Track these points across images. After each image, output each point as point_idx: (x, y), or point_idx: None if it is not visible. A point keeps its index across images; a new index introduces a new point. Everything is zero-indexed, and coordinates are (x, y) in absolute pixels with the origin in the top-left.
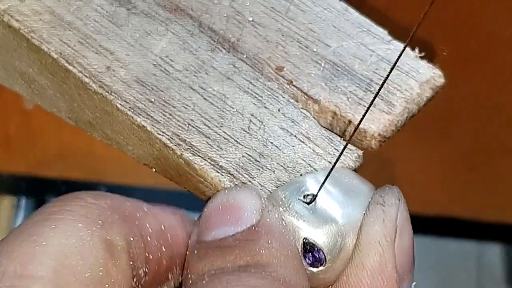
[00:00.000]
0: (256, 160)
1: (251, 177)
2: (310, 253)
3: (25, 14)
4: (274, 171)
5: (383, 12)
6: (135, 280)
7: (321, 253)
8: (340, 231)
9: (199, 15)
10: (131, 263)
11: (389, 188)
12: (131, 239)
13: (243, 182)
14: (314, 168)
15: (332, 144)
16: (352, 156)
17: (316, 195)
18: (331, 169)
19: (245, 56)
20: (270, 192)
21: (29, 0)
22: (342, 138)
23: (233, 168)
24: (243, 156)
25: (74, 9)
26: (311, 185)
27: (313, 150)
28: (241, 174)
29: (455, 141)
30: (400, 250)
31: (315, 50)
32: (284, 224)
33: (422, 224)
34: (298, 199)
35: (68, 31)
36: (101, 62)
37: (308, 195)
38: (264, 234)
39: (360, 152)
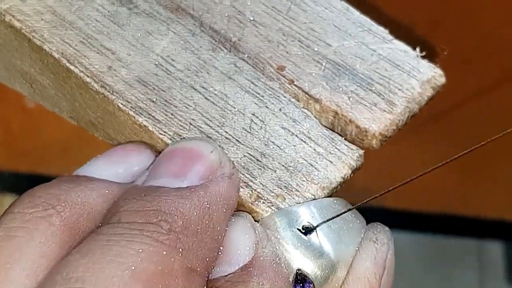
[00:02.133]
0: (257, 159)
1: (252, 177)
2: (301, 284)
3: (26, 14)
4: (275, 171)
5: (384, 12)
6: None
7: (311, 286)
8: (333, 266)
9: (200, 15)
10: (203, 284)
11: (381, 226)
12: (207, 259)
13: (244, 182)
14: (315, 168)
15: (333, 144)
16: (353, 155)
17: (316, 228)
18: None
19: (246, 55)
20: (267, 213)
21: (31, 0)
22: (344, 138)
23: None
24: (244, 156)
25: (76, 9)
26: (305, 215)
27: (314, 149)
28: (243, 174)
29: (455, 139)
30: (385, 286)
31: (316, 49)
32: (278, 259)
33: (423, 222)
34: (294, 229)
35: (69, 31)
36: (103, 62)
37: (304, 226)
38: (256, 276)
39: (361, 152)
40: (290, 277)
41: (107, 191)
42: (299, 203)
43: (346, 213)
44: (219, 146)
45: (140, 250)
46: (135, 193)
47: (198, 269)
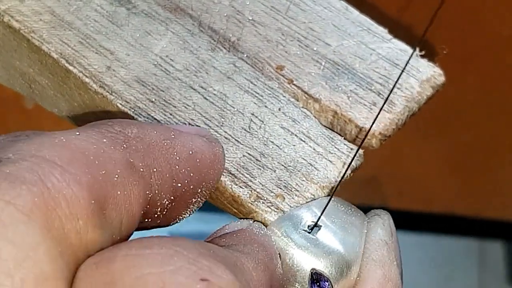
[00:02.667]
0: (257, 159)
1: (252, 177)
2: (317, 283)
3: (25, 14)
4: (275, 171)
5: (383, 11)
6: (159, 209)
7: (328, 283)
8: (345, 260)
9: (199, 15)
10: (148, 192)
11: (376, 209)
12: (154, 170)
13: (243, 182)
14: (314, 167)
15: (332, 143)
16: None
17: (316, 223)
18: (329, 200)
19: (245, 55)
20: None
21: (29, 1)
22: (343, 137)
23: (234, 168)
24: (243, 156)
25: (74, 9)
26: (308, 216)
27: (314, 149)
28: (242, 174)
29: (456, 138)
30: (395, 249)
31: (315, 49)
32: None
33: (423, 222)
34: (300, 231)
35: (68, 31)
36: (102, 62)
37: (309, 226)
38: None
39: (361, 151)
40: (306, 278)
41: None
42: (299, 205)
43: (347, 209)
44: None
45: (78, 133)
46: None
47: (141, 170)
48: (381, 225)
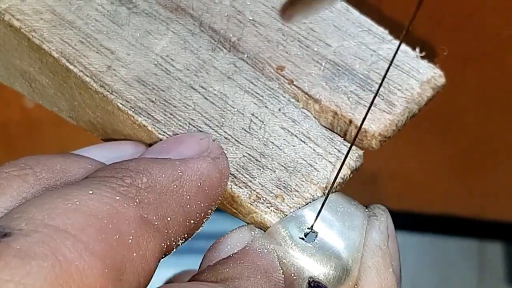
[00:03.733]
0: (256, 160)
1: (251, 177)
2: None
3: (26, 13)
4: (274, 171)
5: (384, 12)
6: (174, 249)
7: None
8: (343, 265)
9: (200, 15)
10: (163, 244)
11: (375, 204)
12: (168, 219)
13: (243, 182)
14: (314, 168)
15: (332, 144)
16: (353, 156)
17: (312, 227)
18: (322, 206)
19: (245, 55)
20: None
21: None
22: (343, 138)
23: (234, 168)
24: (243, 156)
25: (75, 8)
26: (310, 218)
27: (314, 149)
28: (242, 174)
29: (456, 139)
30: (393, 253)
31: (315, 49)
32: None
33: (423, 222)
34: (300, 237)
35: (69, 31)
36: (102, 62)
37: (305, 233)
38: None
39: (361, 152)
40: (304, 286)
41: (90, 166)
42: (297, 209)
43: (346, 209)
44: (214, 139)
45: (91, 192)
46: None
47: (155, 223)
48: (377, 228)
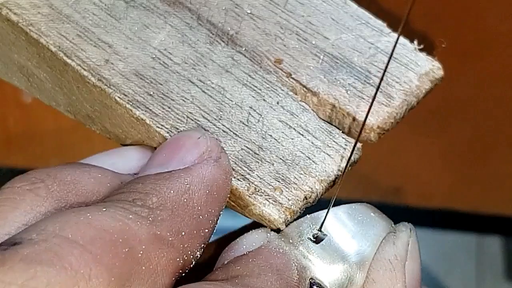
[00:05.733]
0: (255, 153)
1: (250, 170)
2: None
3: (23, 7)
4: (273, 164)
5: (382, 5)
6: (193, 261)
7: None
8: (347, 271)
9: (197, 8)
10: (179, 259)
11: (403, 222)
12: (183, 233)
13: (241, 175)
14: (313, 161)
15: (331, 137)
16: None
17: (320, 228)
18: (328, 210)
19: (243, 49)
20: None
21: None
22: (341, 131)
23: (232, 161)
24: (242, 149)
25: (73, 2)
26: (328, 220)
27: (312, 142)
28: (240, 167)
29: (454, 134)
30: (410, 273)
31: (314, 42)
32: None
33: (421, 217)
34: (308, 237)
35: (66, 24)
36: (100, 55)
37: (314, 234)
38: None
39: (359, 145)
40: (305, 286)
41: (100, 175)
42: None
43: (368, 216)
44: (212, 135)
45: (104, 209)
46: (121, 186)
47: (170, 238)
48: (391, 242)
